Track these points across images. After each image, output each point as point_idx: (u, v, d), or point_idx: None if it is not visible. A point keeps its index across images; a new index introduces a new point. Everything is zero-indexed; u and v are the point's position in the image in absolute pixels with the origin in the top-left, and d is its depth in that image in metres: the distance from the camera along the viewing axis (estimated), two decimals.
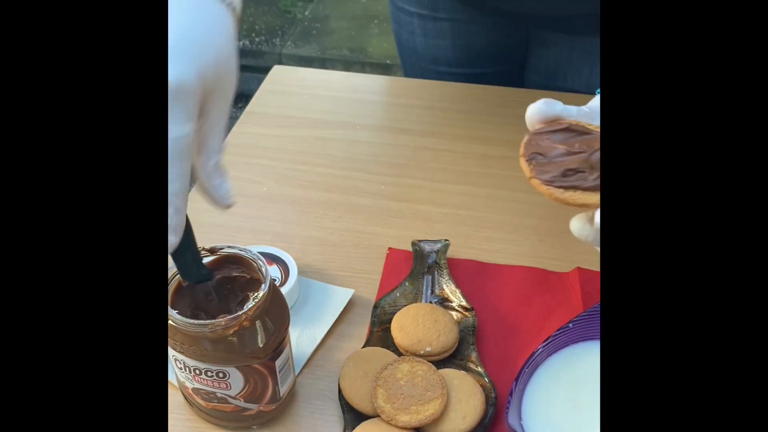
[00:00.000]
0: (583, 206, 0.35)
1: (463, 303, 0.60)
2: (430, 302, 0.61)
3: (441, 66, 0.93)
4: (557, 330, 0.54)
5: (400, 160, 0.77)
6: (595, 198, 0.35)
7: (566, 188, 0.35)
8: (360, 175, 0.75)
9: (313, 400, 0.55)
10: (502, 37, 0.90)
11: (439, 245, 0.65)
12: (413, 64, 0.95)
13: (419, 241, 0.65)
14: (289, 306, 0.61)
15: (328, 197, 0.72)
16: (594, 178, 0.35)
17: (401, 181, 0.75)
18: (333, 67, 1.99)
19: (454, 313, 0.60)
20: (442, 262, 0.63)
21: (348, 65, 1.91)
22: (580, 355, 0.53)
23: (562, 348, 0.54)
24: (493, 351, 0.58)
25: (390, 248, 0.67)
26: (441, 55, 0.92)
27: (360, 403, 0.52)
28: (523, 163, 0.38)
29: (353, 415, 0.52)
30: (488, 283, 0.63)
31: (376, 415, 0.52)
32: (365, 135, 0.81)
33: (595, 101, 0.43)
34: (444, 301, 0.61)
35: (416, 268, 0.63)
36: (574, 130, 0.37)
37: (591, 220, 0.35)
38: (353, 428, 0.51)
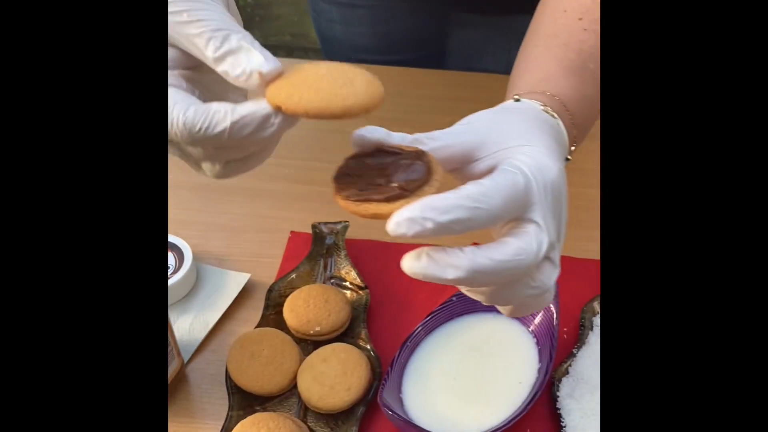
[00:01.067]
0: (375, 216, 0.35)
1: (358, 282, 0.61)
2: (326, 283, 0.61)
3: (363, 54, 0.93)
4: (441, 304, 0.55)
5: (307, 142, 0.78)
6: (385, 208, 0.35)
7: (360, 201, 0.36)
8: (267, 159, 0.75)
9: (203, 384, 0.55)
10: (422, 22, 0.91)
11: (338, 227, 0.65)
12: (335, 53, 0.95)
13: (319, 223, 0.66)
14: (184, 293, 0.61)
15: (233, 183, 0.72)
16: (387, 190, 0.36)
17: (307, 164, 0.75)
18: (275, 54, 1.96)
19: (347, 292, 0.60)
20: (341, 243, 0.64)
21: (290, 51, 1.90)
22: (462, 327, 0.54)
23: (447, 321, 0.55)
24: (386, 328, 0.59)
25: (292, 232, 0.67)
26: (361, 42, 0.92)
27: (247, 383, 0.53)
28: (332, 182, 0.38)
29: (240, 396, 0.53)
30: (385, 261, 0.64)
31: (263, 396, 0.53)
32: None
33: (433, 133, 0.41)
34: (339, 281, 0.62)
35: (315, 249, 0.64)
36: (385, 151, 0.38)
37: (419, 256, 0.35)
38: (240, 409, 0.52)
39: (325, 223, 0.65)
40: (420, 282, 0.61)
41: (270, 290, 0.60)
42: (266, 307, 0.59)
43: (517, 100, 0.45)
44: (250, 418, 0.50)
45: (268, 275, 0.63)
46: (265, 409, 0.53)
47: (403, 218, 0.33)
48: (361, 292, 0.60)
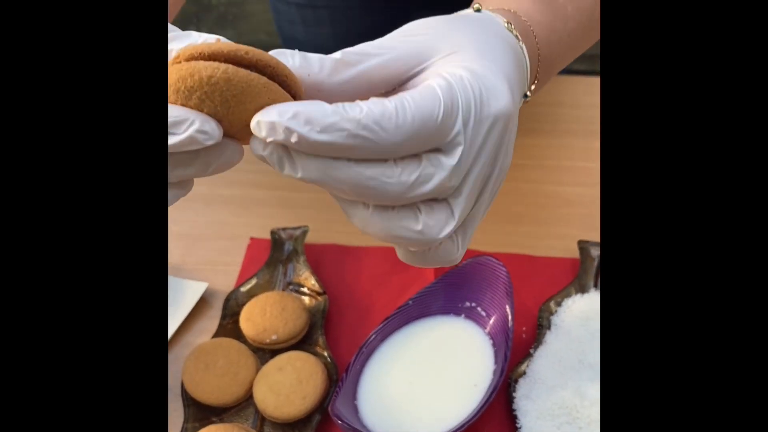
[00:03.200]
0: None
1: (316, 287, 0.60)
2: (285, 290, 0.61)
3: (325, 54, 0.92)
4: (396, 309, 0.55)
5: None
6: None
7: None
8: None
9: None
10: (383, 21, 0.90)
11: (297, 232, 0.65)
12: None
13: (278, 229, 0.65)
14: None
15: (192, 190, 0.72)
16: None
17: (266, 167, 0.74)
18: None
19: (305, 299, 0.60)
20: (300, 248, 0.63)
21: (265, 50, 1.89)
22: (417, 331, 0.54)
23: (403, 326, 0.55)
24: (344, 334, 0.58)
25: (252, 238, 0.67)
26: (323, 43, 0.91)
27: (202, 395, 0.52)
28: None
29: (196, 408, 0.53)
30: (347, 265, 0.64)
31: (218, 407, 0.52)
32: None
33: None
34: (298, 287, 0.61)
35: (274, 256, 0.63)
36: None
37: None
38: (195, 421, 0.52)
39: (284, 229, 0.65)
40: (382, 285, 0.62)
41: (227, 299, 0.60)
42: (223, 316, 0.59)
43: (478, 10, 0.37)
44: (203, 430, 0.49)
45: (227, 284, 0.63)
46: (222, 420, 0.53)
47: (266, 119, 0.26)
48: (319, 297, 0.60)
